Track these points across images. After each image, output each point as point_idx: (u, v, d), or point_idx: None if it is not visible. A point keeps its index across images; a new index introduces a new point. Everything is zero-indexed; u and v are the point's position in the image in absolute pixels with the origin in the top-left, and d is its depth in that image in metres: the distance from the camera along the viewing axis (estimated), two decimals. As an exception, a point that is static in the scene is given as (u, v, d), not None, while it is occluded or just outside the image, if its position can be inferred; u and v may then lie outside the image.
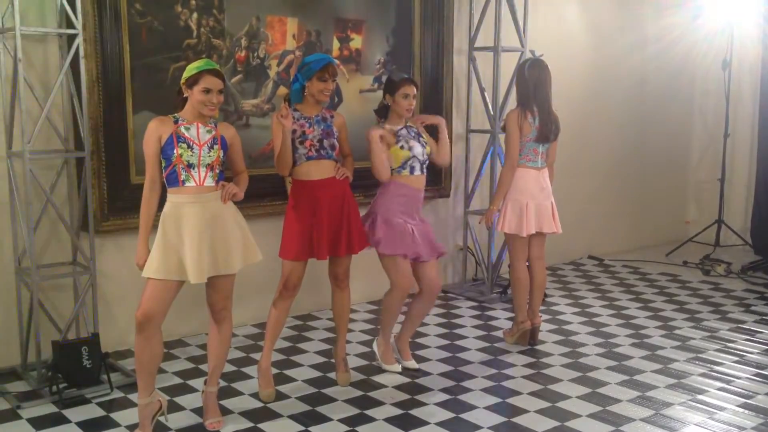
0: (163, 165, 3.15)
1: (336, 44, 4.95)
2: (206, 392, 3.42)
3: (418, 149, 3.92)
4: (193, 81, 3.12)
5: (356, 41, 5.05)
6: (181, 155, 3.10)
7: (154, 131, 3.12)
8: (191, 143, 3.13)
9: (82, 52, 3.74)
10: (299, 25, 4.78)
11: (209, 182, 3.17)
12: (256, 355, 4.16)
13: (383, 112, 3.96)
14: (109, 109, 4.06)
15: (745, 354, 4.41)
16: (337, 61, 3.68)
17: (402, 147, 3.89)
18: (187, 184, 3.14)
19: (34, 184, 3.74)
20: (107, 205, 4.11)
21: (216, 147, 3.18)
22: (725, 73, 6.86)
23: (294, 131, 3.58)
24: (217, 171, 3.20)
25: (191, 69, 3.14)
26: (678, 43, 7.02)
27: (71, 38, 3.74)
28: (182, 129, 3.14)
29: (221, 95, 3.17)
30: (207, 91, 3.11)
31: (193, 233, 3.11)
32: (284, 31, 4.72)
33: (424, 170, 3.98)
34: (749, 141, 7.19)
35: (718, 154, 7.11)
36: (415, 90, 3.90)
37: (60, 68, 3.81)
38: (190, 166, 3.12)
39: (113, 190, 4.13)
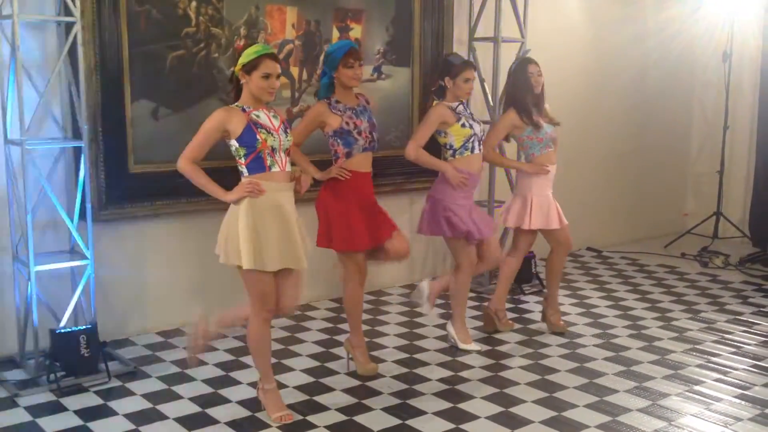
0: (243, 153, 3.11)
1: (335, 34, 4.93)
2: (263, 389, 3.38)
3: (477, 127, 4.07)
4: (251, 67, 3.08)
5: (356, 31, 5.03)
6: (266, 140, 3.08)
7: (221, 122, 3.08)
8: (269, 129, 3.11)
9: (80, 40, 3.72)
10: (298, 14, 4.76)
11: (288, 167, 3.19)
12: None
13: (440, 93, 4.06)
14: (108, 98, 4.05)
15: (742, 345, 4.42)
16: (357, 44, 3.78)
17: (463, 125, 4.00)
18: (274, 169, 3.13)
19: (32, 171, 3.73)
20: (105, 193, 4.10)
21: (288, 131, 3.21)
22: (725, 65, 6.85)
23: (347, 123, 3.62)
24: (289, 157, 3.24)
25: (249, 54, 3.09)
26: (678, 36, 6.99)
27: (69, 26, 3.72)
28: (254, 114, 3.12)
29: (278, 80, 3.15)
30: (267, 76, 3.08)
31: (283, 220, 3.12)
32: (283, 20, 4.70)
33: (477, 148, 4.08)
34: (748, 133, 7.18)
35: (717, 147, 7.10)
36: (474, 74, 4.04)
37: (58, 56, 3.80)
38: (274, 150, 3.11)
39: (111, 178, 4.11)
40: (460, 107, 4.04)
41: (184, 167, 3.15)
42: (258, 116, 3.12)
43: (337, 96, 3.68)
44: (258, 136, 3.07)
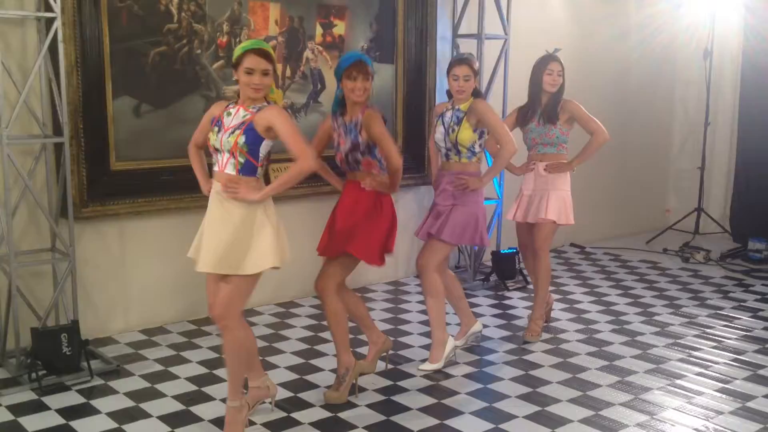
0: None
1: (319, 30, 4.92)
2: (227, 407, 3.14)
3: (436, 134, 3.93)
4: (237, 62, 3.00)
5: (339, 27, 5.03)
6: (209, 139, 3.07)
7: (210, 113, 3.14)
8: (222, 127, 3.03)
9: (60, 36, 3.69)
10: (282, 10, 4.74)
11: (230, 170, 3.01)
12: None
13: (450, 94, 3.94)
14: (89, 94, 4.01)
15: (722, 339, 4.46)
16: (369, 58, 3.44)
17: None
18: (214, 168, 3.09)
19: (12, 169, 3.69)
20: (86, 191, 4.06)
21: (237, 132, 2.96)
22: (706, 62, 6.91)
23: (333, 139, 3.55)
24: (241, 160, 2.97)
25: (237, 50, 3.02)
26: (660, 33, 7.05)
27: (50, 22, 3.69)
28: (225, 112, 3.06)
29: (266, 77, 2.97)
30: (249, 71, 2.97)
31: (208, 220, 3.07)
32: (266, 16, 4.69)
33: (450, 156, 3.88)
34: (729, 130, 7.26)
35: (698, 143, 7.17)
36: (466, 70, 3.77)
37: (38, 52, 3.76)
38: (216, 150, 3.05)
39: (93, 176, 4.07)
40: (448, 113, 3.89)
41: (188, 149, 3.27)
42: (229, 114, 3.06)
43: (347, 109, 3.52)
44: (209, 134, 3.08)
